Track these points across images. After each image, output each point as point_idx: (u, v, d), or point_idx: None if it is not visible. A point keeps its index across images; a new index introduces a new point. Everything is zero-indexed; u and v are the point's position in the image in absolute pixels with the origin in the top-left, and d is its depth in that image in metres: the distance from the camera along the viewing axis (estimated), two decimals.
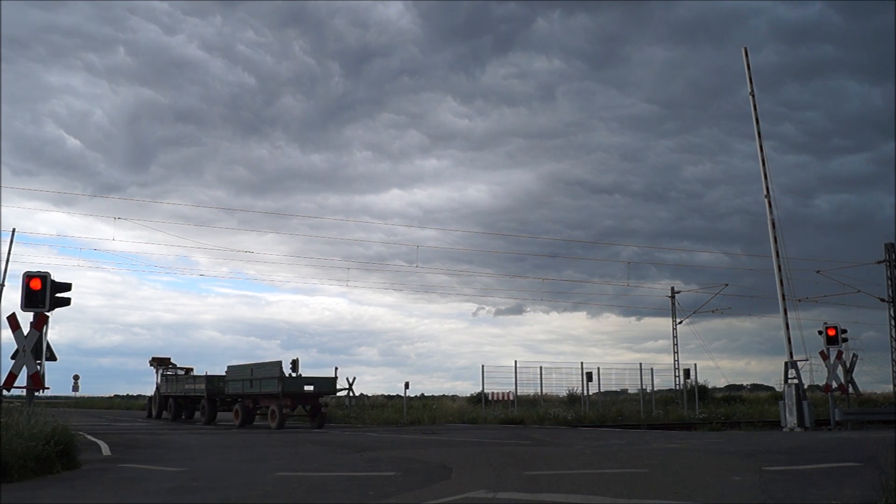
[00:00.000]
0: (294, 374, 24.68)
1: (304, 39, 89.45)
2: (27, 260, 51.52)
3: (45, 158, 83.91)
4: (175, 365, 33.34)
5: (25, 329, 13.01)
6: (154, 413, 33.12)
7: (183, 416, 30.68)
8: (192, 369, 32.32)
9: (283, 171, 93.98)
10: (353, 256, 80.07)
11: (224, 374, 27.15)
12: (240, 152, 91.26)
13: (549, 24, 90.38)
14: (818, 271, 35.65)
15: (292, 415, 24.13)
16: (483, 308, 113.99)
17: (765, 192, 25.24)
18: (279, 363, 23.59)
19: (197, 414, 29.79)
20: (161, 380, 32.75)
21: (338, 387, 26.33)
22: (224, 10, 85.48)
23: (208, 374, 27.94)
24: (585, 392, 30.94)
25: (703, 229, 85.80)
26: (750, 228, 71.29)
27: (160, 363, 33.40)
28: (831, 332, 24.16)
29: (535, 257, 66.84)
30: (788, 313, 24.19)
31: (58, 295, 13.43)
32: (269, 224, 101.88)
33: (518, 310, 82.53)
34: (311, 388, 23.79)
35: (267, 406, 24.20)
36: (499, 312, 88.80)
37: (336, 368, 28.30)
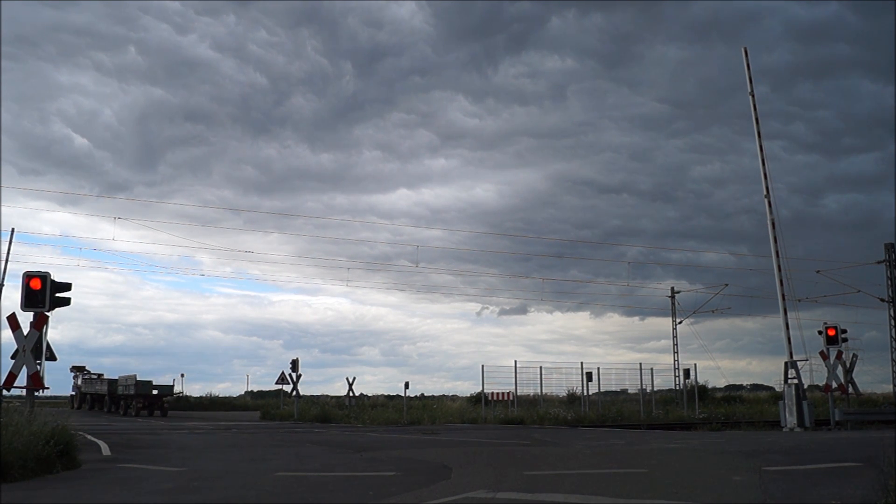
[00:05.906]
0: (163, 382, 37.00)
1: (317, 39, 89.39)
2: (29, 260, 51.74)
3: (52, 157, 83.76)
4: (90, 372, 43.14)
5: (25, 329, 12.97)
6: (76, 406, 42.83)
7: (95, 408, 40.72)
8: (102, 375, 41.58)
9: (291, 170, 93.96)
10: (357, 256, 79.85)
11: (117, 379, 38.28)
12: (248, 152, 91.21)
13: (564, 23, 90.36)
14: (818, 271, 35.68)
15: (145, 407, 35.03)
16: (487, 308, 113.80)
17: (765, 193, 25.27)
18: (135, 375, 35.43)
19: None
20: (81, 382, 43.00)
21: (175, 391, 38.52)
22: (237, 10, 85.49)
23: (109, 378, 39.10)
24: (585, 392, 30.92)
25: (709, 229, 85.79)
26: (757, 228, 71.06)
27: (79, 370, 43.50)
28: (831, 332, 24.14)
29: (540, 257, 66.64)
30: (788, 313, 24.22)
31: (58, 295, 13.39)
32: (274, 224, 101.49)
33: (522, 310, 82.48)
34: (156, 391, 35.52)
35: (131, 402, 35.59)
36: (502, 312, 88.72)
37: (175, 378, 40.97)
